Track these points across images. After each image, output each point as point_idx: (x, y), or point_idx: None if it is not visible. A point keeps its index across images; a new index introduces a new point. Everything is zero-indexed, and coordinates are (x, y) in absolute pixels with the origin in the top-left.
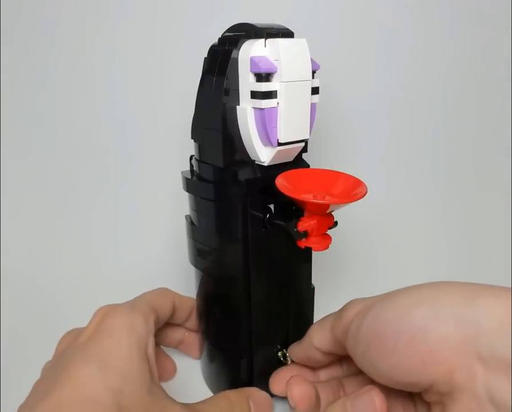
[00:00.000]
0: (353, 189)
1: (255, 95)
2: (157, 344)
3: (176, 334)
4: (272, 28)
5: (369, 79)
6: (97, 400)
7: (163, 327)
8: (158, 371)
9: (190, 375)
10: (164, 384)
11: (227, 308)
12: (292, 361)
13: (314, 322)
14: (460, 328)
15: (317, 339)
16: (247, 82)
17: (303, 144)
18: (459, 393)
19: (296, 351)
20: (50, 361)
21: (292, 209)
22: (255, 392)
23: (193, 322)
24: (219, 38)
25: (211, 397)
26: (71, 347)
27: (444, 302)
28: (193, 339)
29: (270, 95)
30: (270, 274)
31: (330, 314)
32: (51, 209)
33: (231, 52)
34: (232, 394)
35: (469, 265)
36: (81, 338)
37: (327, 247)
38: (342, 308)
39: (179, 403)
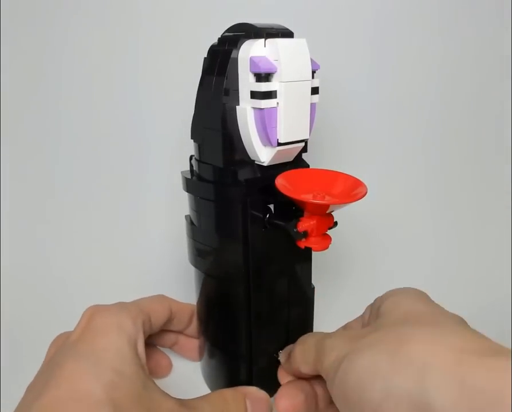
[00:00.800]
0: (352, 189)
1: (254, 95)
2: (152, 344)
3: (169, 335)
4: (272, 28)
5: (369, 79)
6: (91, 395)
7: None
8: (154, 368)
9: (191, 374)
10: (164, 383)
11: (226, 308)
12: None
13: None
14: (411, 409)
15: (304, 370)
16: (246, 82)
17: (303, 144)
18: None
19: (287, 370)
20: (42, 364)
21: (292, 209)
22: (252, 391)
23: (193, 329)
24: (219, 38)
25: (206, 394)
26: (63, 347)
27: (397, 376)
28: (189, 342)
29: (270, 95)
30: (269, 274)
31: (311, 342)
32: (50, 210)
33: (231, 52)
34: (229, 393)
35: (471, 264)
36: (71, 338)
37: (327, 247)
38: (321, 344)
39: (173, 398)
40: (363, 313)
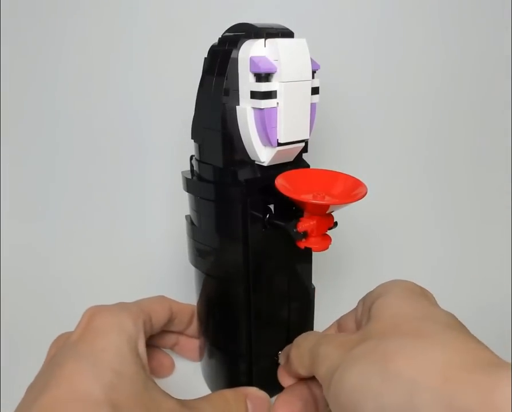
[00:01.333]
0: (352, 190)
1: (254, 95)
2: (153, 345)
3: (170, 336)
4: (272, 28)
5: (369, 79)
6: (90, 396)
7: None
8: (157, 368)
9: (191, 375)
10: (164, 383)
11: (226, 308)
12: None
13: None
14: None
15: (301, 372)
16: (246, 82)
17: (303, 144)
18: None
19: (286, 371)
20: (43, 364)
21: (292, 209)
22: (253, 391)
23: (193, 329)
24: (219, 38)
25: (207, 395)
26: (63, 347)
27: (387, 395)
28: (190, 342)
29: (270, 95)
30: (269, 274)
31: (306, 347)
32: (50, 210)
33: (231, 52)
34: (230, 393)
35: (471, 265)
36: (71, 338)
37: (326, 248)
38: (316, 350)
39: (174, 399)
40: (356, 307)
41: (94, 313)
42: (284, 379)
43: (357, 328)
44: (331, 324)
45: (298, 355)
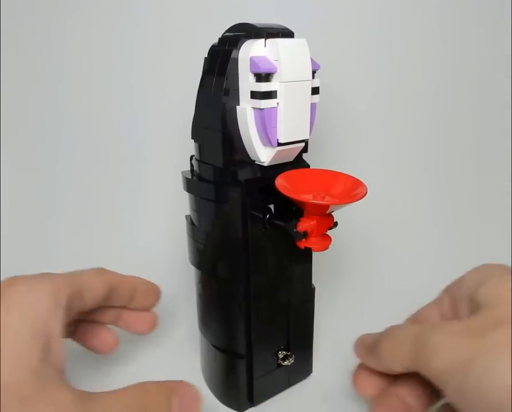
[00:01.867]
0: (352, 190)
1: (254, 95)
2: (92, 321)
3: (110, 311)
4: (272, 28)
5: (370, 79)
6: None
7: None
8: (97, 345)
9: (191, 375)
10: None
11: (226, 308)
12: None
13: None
14: None
15: (395, 366)
16: (246, 82)
17: (303, 144)
18: None
19: (368, 364)
20: None
21: (292, 209)
22: (181, 386)
23: (138, 302)
24: (219, 38)
25: (125, 387)
26: None
27: None
28: (133, 315)
29: (270, 95)
30: (269, 274)
31: (406, 337)
32: (50, 209)
33: (231, 52)
34: (152, 385)
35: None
36: None
37: (326, 248)
38: (423, 340)
39: (74, 390)
40: (438, 299)
41: (5, 286)
42: (362, 385)
43: (444, 320)
44: (405, 320)
45: (393, 346)
